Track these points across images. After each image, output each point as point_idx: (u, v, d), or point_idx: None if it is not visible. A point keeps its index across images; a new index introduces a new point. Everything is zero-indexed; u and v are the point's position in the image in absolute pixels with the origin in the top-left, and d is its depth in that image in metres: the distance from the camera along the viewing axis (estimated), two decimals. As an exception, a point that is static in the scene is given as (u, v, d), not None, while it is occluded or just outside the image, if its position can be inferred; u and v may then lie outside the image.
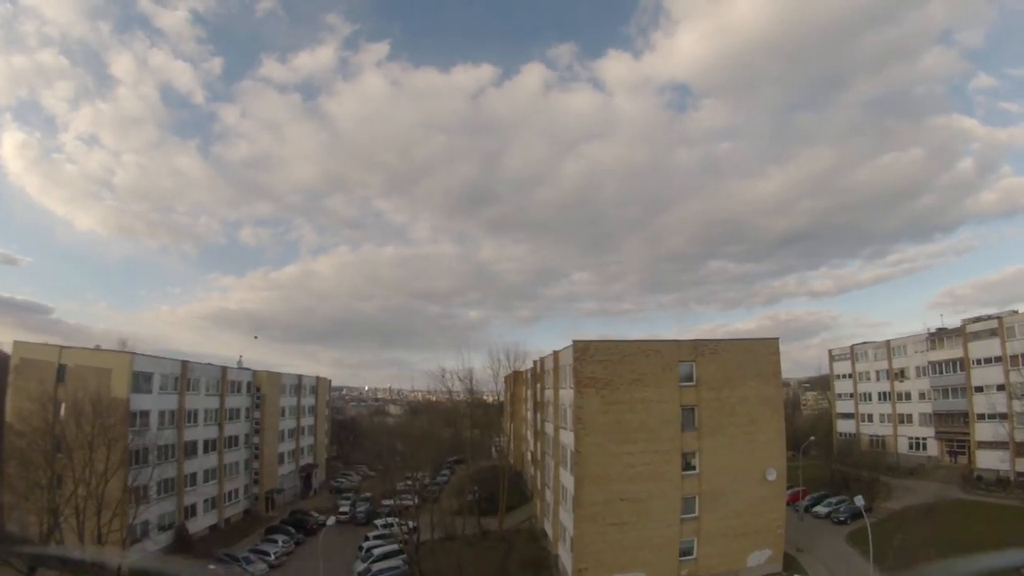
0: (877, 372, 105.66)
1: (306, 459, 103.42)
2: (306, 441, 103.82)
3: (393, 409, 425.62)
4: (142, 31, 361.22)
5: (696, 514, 49.97)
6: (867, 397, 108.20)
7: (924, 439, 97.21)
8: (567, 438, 52.89)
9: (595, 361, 48.95)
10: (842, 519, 72.33)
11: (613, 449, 48.19)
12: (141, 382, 62.74)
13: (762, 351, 54.97)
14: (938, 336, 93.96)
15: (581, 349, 49.15)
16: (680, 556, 49.60)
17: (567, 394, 53.29)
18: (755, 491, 52.04)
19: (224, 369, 77.88)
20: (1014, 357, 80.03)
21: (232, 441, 79.98)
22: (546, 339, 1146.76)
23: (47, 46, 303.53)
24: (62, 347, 64.72)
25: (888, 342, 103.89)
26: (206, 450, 74.10)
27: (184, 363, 69.35)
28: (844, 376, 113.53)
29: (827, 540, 64.77)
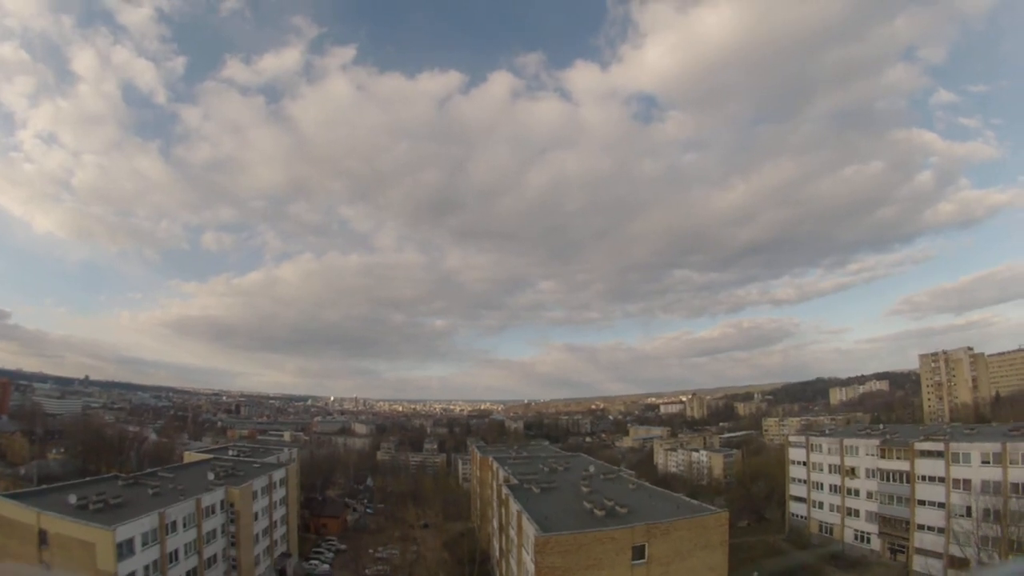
0: (830, 465, 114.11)
1: (280, 549, 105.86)
2: (279, 532, 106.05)
3: (360, 428, 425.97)
4: (106, 27, 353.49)
5: None
6: (819, 486, 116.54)
7: (869, 534, 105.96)
8: None
9: (554, 552, 54.80)
10: None
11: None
12: (124, 549, 65.19)
13: (711, 525, 62.68)
14: (887, 446, 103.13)
15: (542, 543, 54.88)
16: None
17: (529, 564, 59.26)
18: None
19: (198, 501, 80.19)
20: (956, 480, 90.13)
21: (211, 561, 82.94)
22: (513, 347, 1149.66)
23: (7, 39, 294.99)
24: (39, 512, 65.58)
25: (841, 440, 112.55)
26: (188, 578, 77.89)
27: (161, 514, 71.51)
28: (799, 463, 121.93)
29: None
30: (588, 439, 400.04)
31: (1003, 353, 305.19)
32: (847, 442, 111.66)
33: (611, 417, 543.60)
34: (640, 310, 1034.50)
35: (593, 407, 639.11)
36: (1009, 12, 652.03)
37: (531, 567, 56.93)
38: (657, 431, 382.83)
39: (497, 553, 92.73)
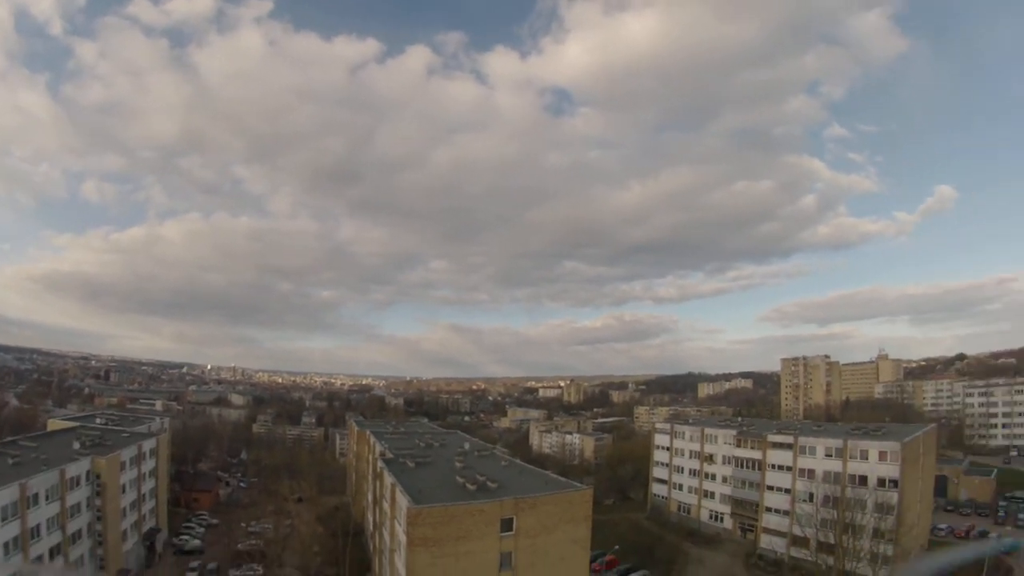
0: (691, 451, 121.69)
1: (148, 524, 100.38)
2: (148, 506, 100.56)
3: (236, 399, 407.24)
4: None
5: None
6: (680, 470, 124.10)
7: (723, 514, 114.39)
8: (400, 567, 59.58)
9: (426, 524, 55.69)
10: None
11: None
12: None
13: (576, 501, 65.87)
14: (743, 437, 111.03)
15: (414, 515, 55.67)
16: None
17: (401, 536, 59.90)
18: None
19: (62, 471, 74.33)
20: (802, 470, 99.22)
21: (75, 537, 77.20)
22: (400, 324, 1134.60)
23: None
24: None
25: (703, 429, 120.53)
26: (51, 556, 71.65)
27: (22, 485, 65.78)
28: (663, 447, 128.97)
29: None
30: (467, 418, 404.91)
31: (856, 363, 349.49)
32: (708, 431, 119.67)
33: (491, 398, 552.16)
34: (528, 296, 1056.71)
35: (474, 387, 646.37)
36: (908, 64, 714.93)
37: (403, 538, 57.35)
38: (535, 413, 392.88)
39: (371, 526, 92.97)
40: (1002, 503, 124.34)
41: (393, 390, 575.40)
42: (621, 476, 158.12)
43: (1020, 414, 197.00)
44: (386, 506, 72.54)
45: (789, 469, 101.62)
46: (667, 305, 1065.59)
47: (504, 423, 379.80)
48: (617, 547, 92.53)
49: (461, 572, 56.26)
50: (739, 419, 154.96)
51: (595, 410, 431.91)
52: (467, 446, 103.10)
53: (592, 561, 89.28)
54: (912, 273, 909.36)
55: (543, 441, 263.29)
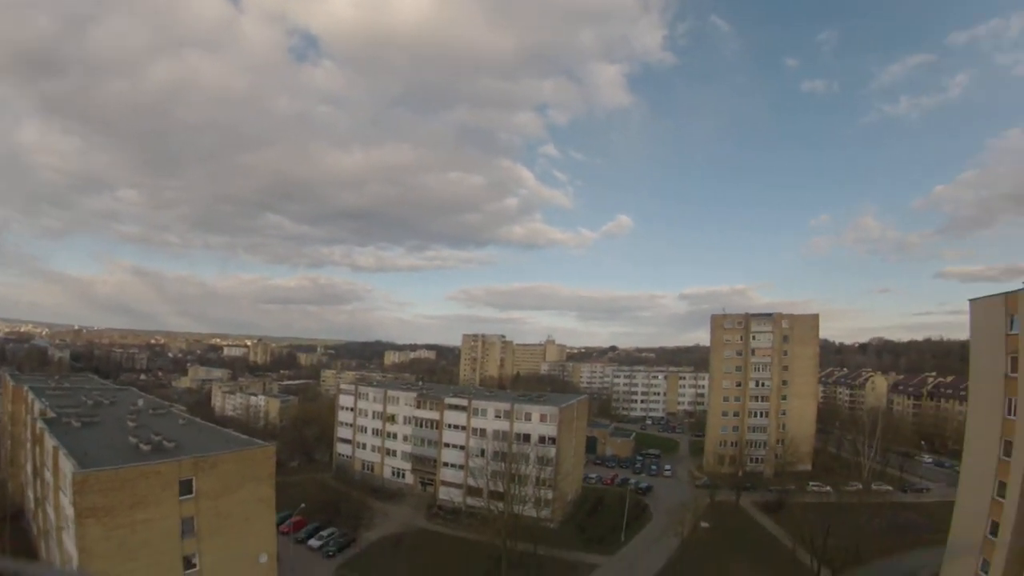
0: (374, 412, 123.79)
1: None
2: None
3: None
4: None
5: None
6: (364, 430, 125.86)
7: (404, 470, 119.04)
8: (70, 546, 52.63)
9: (95, 491, 49.17)
10: (331, 553, 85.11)
11: (118, 570, 49.54)
12: None
13: (259, 458, 62.66)
14: (423, 399, 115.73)
15: (81, 481, 48.78)
16: None
17: (68, 509, 52.47)
18: (252, 571, 60.33)
19: None
20: (475, 429, 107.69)
21: None
22: (73, 259, 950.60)
23: None
24: None
25: (386, 391, 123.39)
26: None
27: None
28: (347, 408, 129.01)
29: None
30: (144, 376, 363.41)
31: (528, 345, 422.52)
32: (390, 393, 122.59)
33: (171, 355, 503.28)
34: (223, 245, 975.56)
35: (153, 342, 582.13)
36: (624, 115, 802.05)
37: (70, 511, 49.54)
38: (218, 373, 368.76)
39: (32, 503, 79.23)
40: (639, 458, 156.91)
41: (58, 340, 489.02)
42: (307, 438, 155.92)
43: (655, 393, 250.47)
44: (48, 475, 61.79)
45: (463, 428, 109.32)
46: (364, 274, 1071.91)
47: (184, 383, 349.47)
48: (303, 505, 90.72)
49: (140, 544, 50.13)
50: (420, 383, 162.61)
51: (282, 372, 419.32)
52: (141, 403, 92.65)
53: (280, 523, 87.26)
54: (585, 278, 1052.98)
55: (227, 402, 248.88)
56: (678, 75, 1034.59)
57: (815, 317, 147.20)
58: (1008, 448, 53.57)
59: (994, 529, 54.44)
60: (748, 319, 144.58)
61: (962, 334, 65.84)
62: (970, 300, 61.75)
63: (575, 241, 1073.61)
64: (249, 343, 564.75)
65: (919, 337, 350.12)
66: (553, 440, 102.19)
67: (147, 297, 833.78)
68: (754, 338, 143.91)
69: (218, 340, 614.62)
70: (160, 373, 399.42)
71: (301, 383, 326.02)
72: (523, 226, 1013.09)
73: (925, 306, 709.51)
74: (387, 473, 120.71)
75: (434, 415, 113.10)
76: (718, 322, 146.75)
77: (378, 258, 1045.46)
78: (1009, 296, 54.78)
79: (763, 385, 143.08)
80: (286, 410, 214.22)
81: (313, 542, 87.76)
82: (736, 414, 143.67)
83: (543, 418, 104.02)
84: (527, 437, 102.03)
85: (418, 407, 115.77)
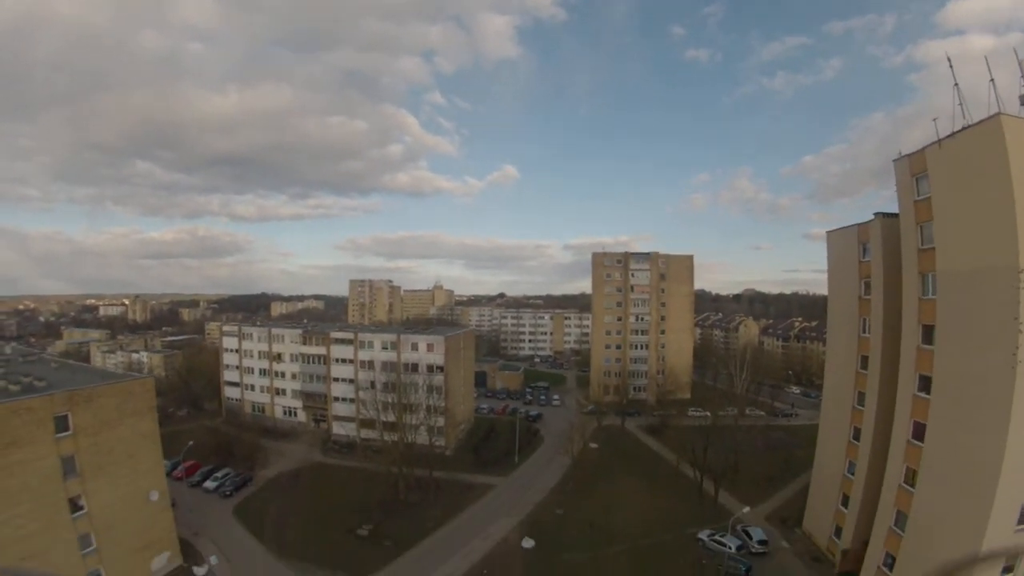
0: (260, 352, 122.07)
1: None
2: None
3: None
4: None
5: (95, 546, 54.60)
6: (251, 371, 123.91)
7: (295, 408, 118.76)
8: None
9: None
10: (228, 493, 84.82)
11: (-1, 517, 49.27)
12: None
13: (138, 391, 61.30)
14: (308, 335, 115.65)
15: None
16: None
17: None
18: (143, 511, 60.04)
19: None
20: (363, 361, 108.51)
21: None
22: None
23: None
24: None
25: (270, 330, 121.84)
26: None
27: None
28: (232, 350, 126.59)
29: (219, 517, 77.04)
30: (13, 344, 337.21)
31: (416, 291, 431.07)
32: (275, 331, 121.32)
33: (42, 319, 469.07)
34: (89, 197, 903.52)
35: (21, 307, 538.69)
36: (512, 66, 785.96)
37: None
38: (96, 334, 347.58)
39: None
40: (528, 390, 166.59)
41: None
42: (194, 389, 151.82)
43: (542, 333, 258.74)
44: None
45: (351, 361, 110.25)
46: (245, 224, 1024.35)
47: (60, 347, 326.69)
48: (191, 443, 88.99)
49: (19, 488, 48.55)
50: (305, 321, 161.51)
51: (164, 329, 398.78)
52: (9, 351, 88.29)
53: (171, 470, 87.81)
54: (472, 227, 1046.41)
55: (107, 361, 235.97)
56: (567, 31, 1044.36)
57: (690, 258, 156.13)
58: (864, 362, 60.37)
59: (856, 434, 61.42)
60: (627, 257, 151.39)
61: (826, 289, 72.97)
62: (828, 232, 68.26)
63: (462, 190, 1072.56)
64: (127, 302, 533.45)
65: (787, 291, 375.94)
66: (441, 368, 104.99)
67: (8, 259, 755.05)
68: (633, 275, 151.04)
69: (93, 301, 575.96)
70: (32, 339, 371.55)
71: (186, 338, 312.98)
72: (408, 174, 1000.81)
73: (794, 264, 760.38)
74: (279, 413, 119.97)
75: (321, 350, 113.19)
76: (599, 260, 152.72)
77: (259, 207, 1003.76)
78: (861, 227, 61.23)
79: (643, 320, 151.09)
80: (171, 364, 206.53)
81: (208, 484, 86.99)
82: (618, 347, 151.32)
83: (430, 347, 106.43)
84: (416, 367, 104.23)
85: (304, 343, 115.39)
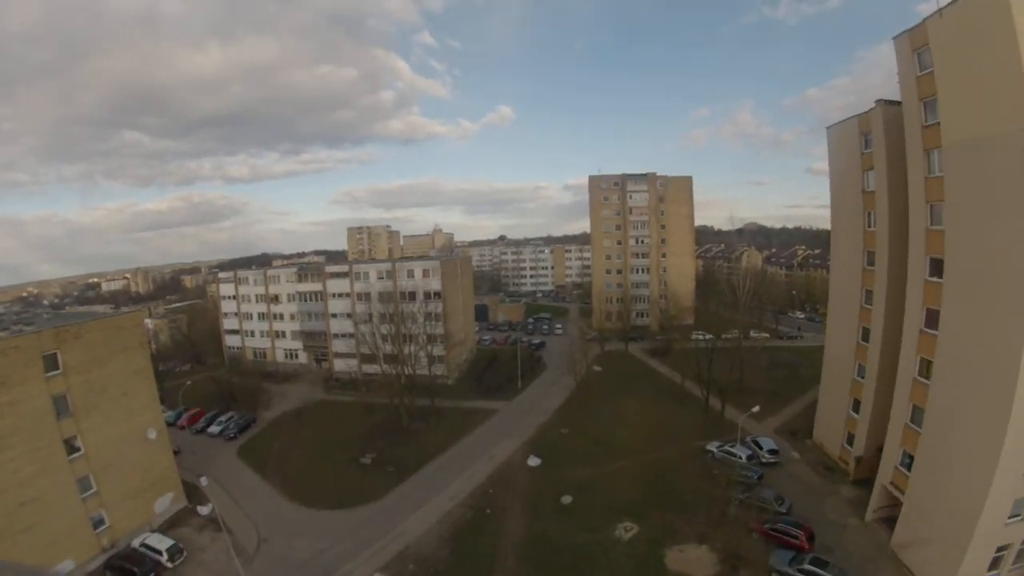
0: (257, 295, 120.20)
1: None
2: None
3: None
4: None
5: (95, 489, 53.74)
6: (249, 316, 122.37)
7: (296, 350, 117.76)
8: None
9: None
10: (232, 435, 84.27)
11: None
12: None
13: (127, 325, 59.97)
14: (304, 272, 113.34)
15: None
16: (95, 529, 53.65)
17: None
18: (142, 450, 59.10)
19: None
20: (359, 294, 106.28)
21: None
22: None
23: None
24: None
25: (265, 272, 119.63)
26: None
27: None
28: (229, 297, 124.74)
29: (223, 459, 76.31)
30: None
31: (415, 236, 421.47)
32: (270, 273, 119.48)
33: (47, 303, 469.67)
34: (79, 174, 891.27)
35: (25, 294, 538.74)
36: (499, 2, 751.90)
37: None
38: (101, 309, 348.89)
39: None
40: (530, 321, 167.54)
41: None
42: (198, 345, 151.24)
43: (543, 268, 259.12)
44: None
45: (348, 295, 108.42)
46: (239, 186, 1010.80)
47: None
48: (188, 382, 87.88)
49: (11, 430, 47.48)
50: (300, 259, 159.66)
51: (168, 297, 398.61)
52: (1, 308, 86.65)
53: (176, 419, 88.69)
54: (468, 172, 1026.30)
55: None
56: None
57: (688, 179, 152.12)
58: (871, 259, 58.24)
59: (865, 335, 59.49)
60: (624, 179, 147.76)
61: (828, 223, 70.22)
62: (827, 127, 65.30)
63: (456, 133, 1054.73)
64: (128, 276, 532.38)
65: (790, 226, 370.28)
66: (439, 295, 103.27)
67: (7, 247, 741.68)
68: (631, 197, 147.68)
69: (95, 279, 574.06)
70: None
71: (189, 303, 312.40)
72: (401, 120, 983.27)
73: (796, 199, 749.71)
74: (280, 356, 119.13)
75: (317, 287, 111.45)
76: (596, 183, 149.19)
77: (251, 167, 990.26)
78: (862, 117, 58.15)
79: (642, 242, 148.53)
80: (175, 326, 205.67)
81: (213, 429, 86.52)
82: (619, 271, 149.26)
83: (426, 273, 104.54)
84: (413, 295, 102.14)
85: (300, 280, 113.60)
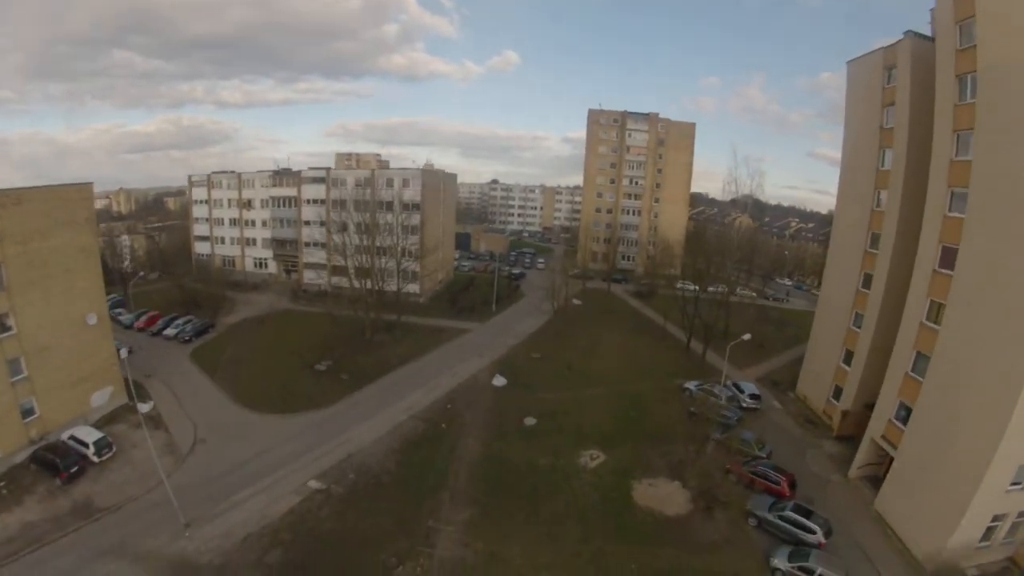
0: (229, 200, 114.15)
1: None
2: None
3: None
4: None
5: (26, 373, 48.69)
6: (221, 222, 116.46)
7: (266, 259, 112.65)
8: None
9: None
10: (187, 338, 79.84)
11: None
12: None
13: (75, 197, 53.94)
14: (279, 176, 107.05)
15: None
16: (24, 418, 48.85)
17: None
18: (82, 337, 53.81)
19: None
20: (335, 201, 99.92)
21: None
22: None
23: None
24: None
25: (239, 175, 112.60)
26: None
27: None
28: (201, 202, 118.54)
29: (174, 361, 71.49)
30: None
31: (406, 168, 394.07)
32: (245, 176, 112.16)
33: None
34: (66, 93, 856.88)
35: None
36: None
37: None
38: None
39: None
40: (513, 254, 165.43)
41: None
42: (170, 258, 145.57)
43: (531, 207, 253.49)
44: None
45: (323, 202, 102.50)
46: (231, 111, 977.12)
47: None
48: (141, 273, 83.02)
49: None
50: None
51: (150, 218, 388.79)
52: None
53: (135, 321, 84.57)
54: (467, 114, 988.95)
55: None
56: None
57: (691, 126, 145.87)
58: (880, 200, 54.71)
59: (867, 282, 56.10)
60: (625, 116, 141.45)
61: (823, 208, 65.04)
62: (848, 62, 60.61)
63: (459, 74, 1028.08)
64: (112, 196, 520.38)
65: (785, 204, 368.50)
66: (417, 207, 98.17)
67: None
68: (630, 135, 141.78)
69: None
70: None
71: (171, 223, 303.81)
72: (404, 56, 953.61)
73: (793, 181, 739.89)
74: (249, 265, 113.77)
75: (292, 192, 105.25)
76: (595, 117, 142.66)
77: (245, 92, 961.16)
78: (887, 50, 53.75)
79: (637, 184, 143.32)
80: (154, 245, 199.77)
81: (168, 331, 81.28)
82: (609, 211, 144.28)
83: (405, 183, 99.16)
84: (390, 205, 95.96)
85: (275, 185, 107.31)
